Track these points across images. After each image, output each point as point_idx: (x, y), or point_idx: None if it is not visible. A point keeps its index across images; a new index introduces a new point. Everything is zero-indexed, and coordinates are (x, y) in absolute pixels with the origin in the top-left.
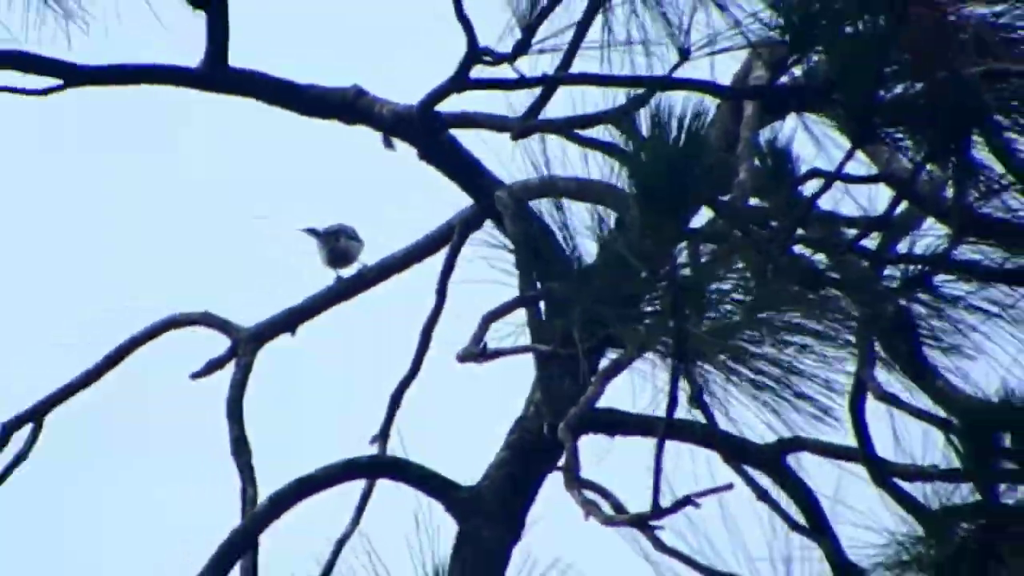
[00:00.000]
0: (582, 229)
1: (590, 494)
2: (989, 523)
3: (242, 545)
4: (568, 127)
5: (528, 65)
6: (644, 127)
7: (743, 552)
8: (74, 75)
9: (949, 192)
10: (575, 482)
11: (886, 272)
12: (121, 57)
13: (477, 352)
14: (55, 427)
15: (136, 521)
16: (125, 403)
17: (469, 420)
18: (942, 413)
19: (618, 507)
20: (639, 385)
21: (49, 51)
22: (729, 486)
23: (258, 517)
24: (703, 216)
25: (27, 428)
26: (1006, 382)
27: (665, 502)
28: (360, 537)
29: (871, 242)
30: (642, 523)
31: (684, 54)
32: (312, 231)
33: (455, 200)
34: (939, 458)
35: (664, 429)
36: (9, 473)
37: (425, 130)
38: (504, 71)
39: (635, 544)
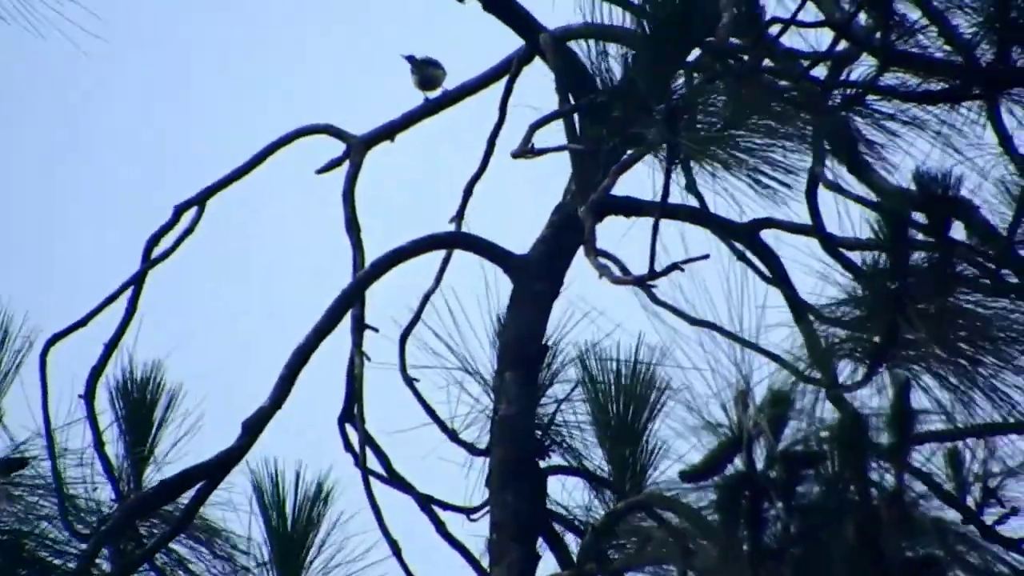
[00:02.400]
0: (613, 58)
1: (604, 260)
2: (902, 282)
3: (353, 297)
4: None
5: None
6: None
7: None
8: None
9: (877, 34)
10: (593, 251)
11: (832, 94)
12: None
13: (527, 149)
14: (215, 209)
15: (271, 283)
16: (270, 192)
17: (521, 206)
18: (874, 198)
19: (624, 270)
20: (652, 178)
21: None
22: (706, 256)
23: (363, 277)
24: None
25: (193, 210)
26: (918, 169)
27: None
28: (441, 293)
29: (819, 71)
30: (641, 282)
31: None
32: (410, 58)
33: (512, 41)
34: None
35: (659, 210)
36: (178, 246)
37: None
38: None
39: (639, 297)
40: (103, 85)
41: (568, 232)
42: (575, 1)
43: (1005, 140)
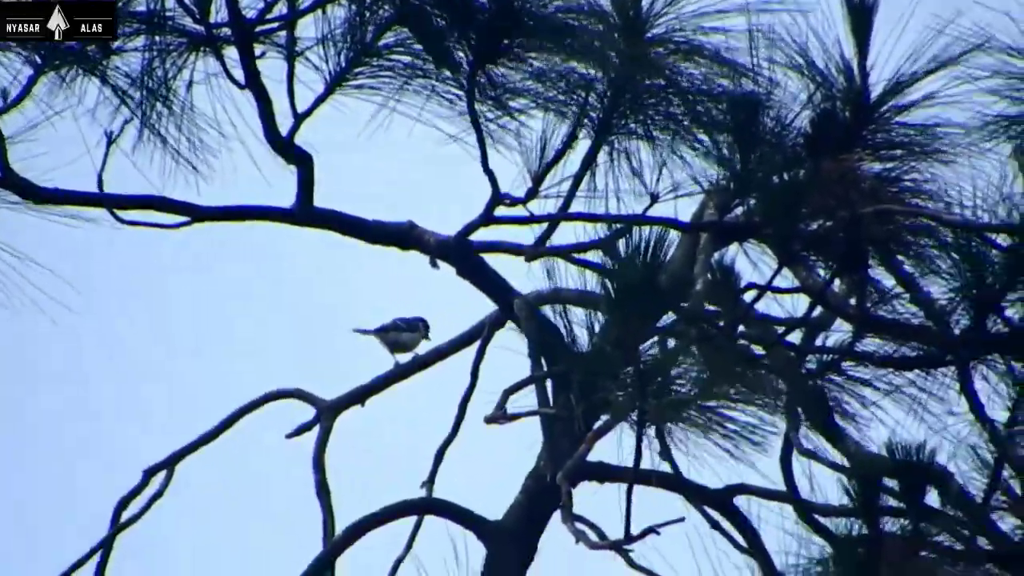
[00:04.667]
0: (579, 325)
1: (581, 526)
2: (874, 546)
3: (325, 565)
4: (568, 252)
5: (538, 206)
6: (623, 252)
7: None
8: (199, 214)
9: (852, 300)
10: (570, 517)
11: (807, 360)
12: (233, 200)
13: (500, 415)
14: (185, 472)
15: (240, 548)
16: (239, 455)
17: (493, 470)
18: (847, 464)
19: (601, 535)
20: (622, 441)
21: (181, 196)
22: (681, 519)
23: (337, 543)
24: (668, 318)
25: (163, 473)
26: (891, 439)
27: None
28: (412, 558)
29: (795, 337)
30: (618, 547)
31: (654, 197)
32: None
33: (485, 306)
34: (845, 498)
35: (632, 477)
36: (148, 508)
37: (461, 254)
38: (520, 210)
39: (614, 563)
40: (72, 347)
41: (542, 497)
42: (545, 265)
43: (976, 407)
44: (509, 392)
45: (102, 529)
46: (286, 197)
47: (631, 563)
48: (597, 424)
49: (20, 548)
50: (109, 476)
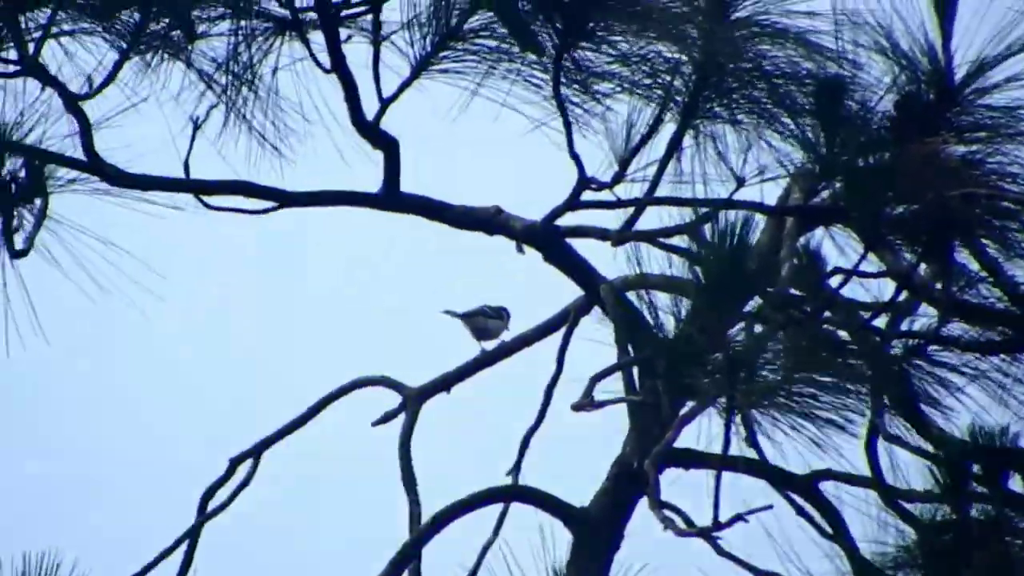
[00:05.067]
0: (664, 311)
1: (668, 512)
2: (961, 532)
3: (413, 551)
4: (654, 236)
5: (624, 190)
6: (709, 236)
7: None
8: (286, 199)
9: (938, 284)
10: (657, 503)
11: (892, 345)
12: (318, 185)
13: (588, 403)
14: (270, 461)
15: (326, 537)
16: (323, 443)
17: (578, 458)
18: (932, 449)
19: (688, 522)
20: (704, 426)
21: (266, 181)
22: (770, 506)
23: (425, 530)
24: (755, 302)
25: (249, 462)
26: (974, 424)
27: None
28: (498, 546)
29: (880, 322)
30: (706, 534)
31: (740, 181)
32: (451, 312)
33: (570, 292)
34: (930, 484)
35: (720, 463)
36: (234, 497)
37: (548, 239)
38: (606, 195)
39: (701, 550)
40: (157, 337)
41: (628, 484)
42: (630, 250)
43: None
44: (596, 379)
45: (189, 518)
46: (367, 183)
47: (719, 550)
48: (683, 410)
49: (108, 537)
50: (195, 465)
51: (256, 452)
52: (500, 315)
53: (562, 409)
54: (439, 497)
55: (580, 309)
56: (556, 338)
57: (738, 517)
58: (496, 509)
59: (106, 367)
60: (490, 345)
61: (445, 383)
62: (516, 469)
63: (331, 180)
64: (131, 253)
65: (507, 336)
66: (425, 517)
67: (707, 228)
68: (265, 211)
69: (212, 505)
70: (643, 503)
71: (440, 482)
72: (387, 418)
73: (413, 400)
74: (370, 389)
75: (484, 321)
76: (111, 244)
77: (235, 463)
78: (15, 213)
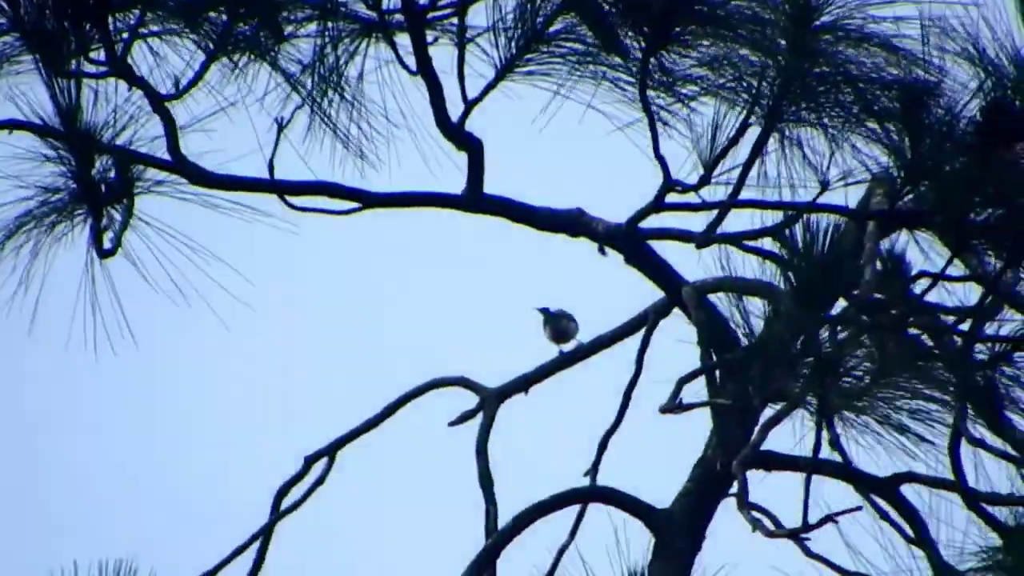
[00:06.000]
0: (748, 313)
1: (756, 514)
2: None
3: (493, 553)
4: (738, 239)
5: (708, 194)
6: (797, 240)
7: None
8: (370, 200)
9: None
10: (746, 505)
11: (977, 350)
12: (400, 188)
13: (675, 406)
14: (345, 460)
15: (401, 538)
16: (401, 444)
17: (655, 460)
18: (1016, 453)
19: (777, 523)
20: (790, 431)
21: (350, 182)
22: (859, 508)
23: (506, 532)
24: (838, 306)
25: (323, 461)
26: None
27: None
28: (575, 547)
29: (965, 326)
30: (795, 535)
31: (824, 185)
32: (544, 310)
33: (651, 293)
34: (1012, 487)
35: (812, 467)
36: (308, 496)
37: (630, 242)
38: (690, 197)
39: (785, 552)
40: (235, 337)
41: (711, 486)
42: (714, 253)
43: None
44: (683, 382)
45: (263, 516)
46: (450, 186)
47: (808, 552)
48: (769, 413)
49: (182, 535)
50: (270, 463)
51: (331, 450)
52: (572, 319)
53: (640, 411)
54: (515, 499)
55: (659, 311)
56: (634, 340)
57: (827, 518)
58: (571, 512)
59: (189, 368)
60: (567, 347)
61: (523, 384)
62: (594, 470)
63: (414, 183)
64: (217, 255)
65: (583, 338)
66: (502, 519)
67: (793, 231)
68: (349, 212)
69: (286, 503)
70: (724, 504)
71: (517, 484)
72: (464, 418)
73: (491, 401)
74: (447, 389)
75: (567, 324)
76: (199, 247)
77: (310, 461)
78: (104, 212)
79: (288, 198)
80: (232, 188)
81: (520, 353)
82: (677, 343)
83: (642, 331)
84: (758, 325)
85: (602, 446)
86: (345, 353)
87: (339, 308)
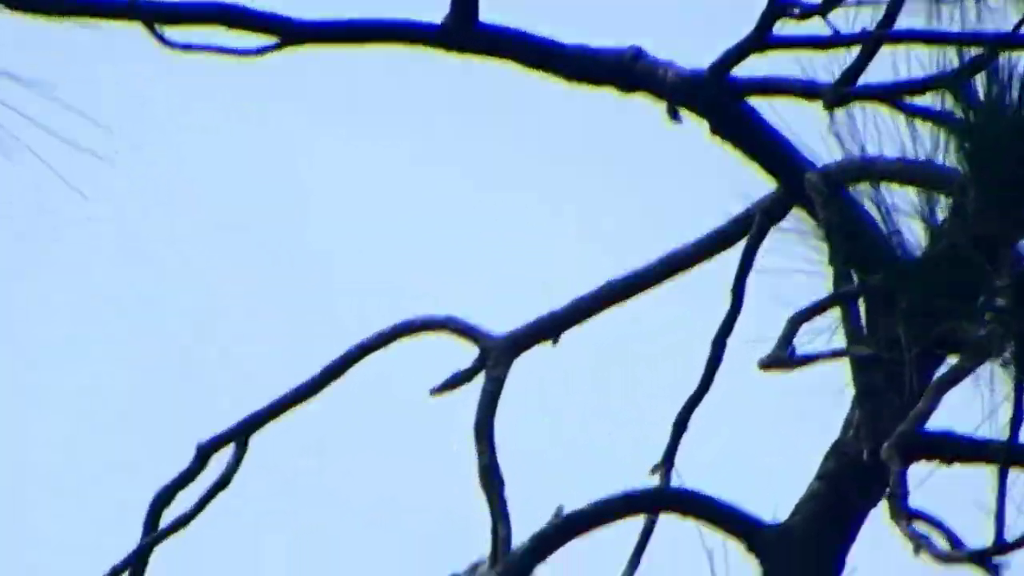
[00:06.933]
0: (909, 215)
1: (920, 527)
2: None
3: None
4: (892, 94)
5: (843, 19)
6: (982, 94)
7: None
8: (292, 32)
9: None
10: (903, 513)
11: None
12: (341, 13)
13: (785, 358)
14: (263, 449)
15: (356, 570)
16: (348, 426)
17: (770, 445)
18: None
19: (955, 542)
20: (976, 399)
21: (263, 5)
22: None
23: (517, 563)
24: None
25: (227, 451)
26: None
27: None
28: None
29: None
30: (983, 559)
31: None
32: None
33: (753, 184)
34: None
35: (1007, 454)
36: (204, 506)
37: (718, 98)
38: (814, 26)
39: None
40: (88, 230)
41: (852, 485)
42: (854, 117)
43: None
44: (799, 321)
45: (133, 536)
46: (423, 11)
47: None
48: (942, 369)
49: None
50: (143, 452)
51: (240, 435)
52: None
53: (737, 370)
54: (537, 507)
55: (767, 211)
56: (728, 258)
57: None
58: (629, 528)
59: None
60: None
61: (549, 328)
62: (667, 463)
63: (365, 5)
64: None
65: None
66: (519, 537)
67: (980, 80)
68: (259, 52)
69: (168, 517)
70: (876, 512)
71: (537, 484)
72: (456, 382)
73: (498, 355)
74: (428, 336)
75: None
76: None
77: (205, 452)
78: None
79: (161, 29)
80: (67, 14)
81: (538, 280)
82: (792, 261)
83: (741, 243)
84: (924, 234)
85: (679, 424)
86: (257, 276)
87: (247, 204)
